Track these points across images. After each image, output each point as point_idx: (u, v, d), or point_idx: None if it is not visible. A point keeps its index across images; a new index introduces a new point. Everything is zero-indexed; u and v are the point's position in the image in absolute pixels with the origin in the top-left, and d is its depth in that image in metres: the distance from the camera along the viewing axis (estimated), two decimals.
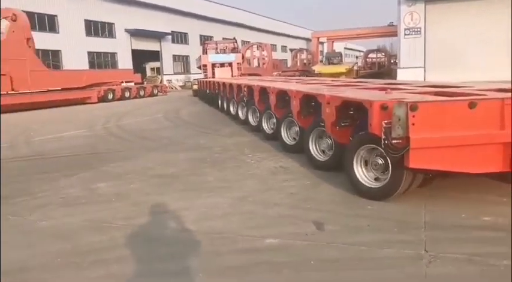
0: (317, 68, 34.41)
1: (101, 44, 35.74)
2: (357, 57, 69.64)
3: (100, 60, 36.19)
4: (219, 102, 15.52)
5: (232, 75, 24.87)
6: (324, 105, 5.42)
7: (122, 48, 37.88)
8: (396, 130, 3.84)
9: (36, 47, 22.93)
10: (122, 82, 28.14)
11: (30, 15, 23.07)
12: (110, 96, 25.54)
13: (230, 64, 25.91)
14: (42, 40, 27.99)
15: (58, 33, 31.79)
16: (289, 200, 4.78)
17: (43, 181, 6.10)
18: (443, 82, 8.17)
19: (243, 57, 29.69)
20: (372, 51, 52.31)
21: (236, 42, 28.94)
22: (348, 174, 4.89)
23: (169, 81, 41.56)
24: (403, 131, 3.83)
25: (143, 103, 23.20)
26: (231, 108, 13.04)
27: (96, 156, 8.07)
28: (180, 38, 46.83)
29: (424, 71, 27.31)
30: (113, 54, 37.42)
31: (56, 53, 31.52)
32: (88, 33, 34.61)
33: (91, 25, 34.94)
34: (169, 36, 44.21)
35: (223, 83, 14.45)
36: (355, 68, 37.18)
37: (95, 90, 24.71)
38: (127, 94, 27.25)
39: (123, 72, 32.16)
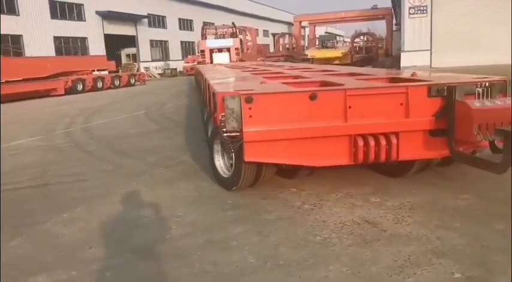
0: (310, 53, 31.85)
1: (68, 28, 31.76)
2: (337, 41, 67.21)
3: (68, 46, 32.25)
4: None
5: (230, 61, 23.73)
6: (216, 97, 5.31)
7: (93, 32, 34.03)
8: (230, 123, 3.66)
9: None
10: (94, 71, 25.01)
11: None
12: (80, 87, 22.35)
13: (228, 49, 25.02)
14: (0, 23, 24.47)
15: (18, 15, 27.79)
16: None
17: None
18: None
19: (241, 42, 27.61)
20: (360, 34, 49.70)
21: (235, 27, 28.10)
22: (211, 163, 4.81)
23: (146, 68, 38.20)
24: (238, 124, 3.65)
25: (119, 95, 19.95)
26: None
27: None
28: (157, 21, 43.03)
29: (431, 54, 24.77)
30: (83, 39, 33.55)
31: (16, 38, 27.58)
32: (53, 15, 30.59)
33: (57, 6, 30.83)
34: (146, 20, 40.39)
35: (199, 70, 12.57)
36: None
37: (61, 80, 21.45)
38: (99, 84, 24.02)
39: (95, 59, 28.78)
